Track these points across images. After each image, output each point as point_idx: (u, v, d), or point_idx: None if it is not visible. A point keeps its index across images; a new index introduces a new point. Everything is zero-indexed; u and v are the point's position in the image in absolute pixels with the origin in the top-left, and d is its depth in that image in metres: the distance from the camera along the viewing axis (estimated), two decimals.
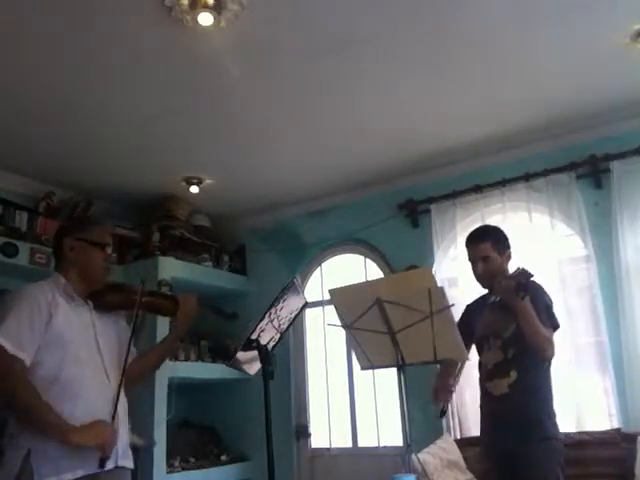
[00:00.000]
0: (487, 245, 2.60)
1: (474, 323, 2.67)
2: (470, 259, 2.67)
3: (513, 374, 2.48)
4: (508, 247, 2.66)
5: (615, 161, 3.56)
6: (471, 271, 2.69)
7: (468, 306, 2.83)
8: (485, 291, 2.72)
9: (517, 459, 2.39)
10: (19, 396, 1.90)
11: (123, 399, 2.15)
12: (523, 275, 2.31)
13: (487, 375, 2.58)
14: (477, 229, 2.82)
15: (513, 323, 2.48)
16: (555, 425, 2.49)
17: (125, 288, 2.29)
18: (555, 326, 2.52)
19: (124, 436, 2.12)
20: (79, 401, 1.96)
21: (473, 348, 2.77)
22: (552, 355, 2.46)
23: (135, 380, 2.27)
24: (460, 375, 2.56)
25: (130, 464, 2.13)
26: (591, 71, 3.12)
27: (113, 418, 2.00)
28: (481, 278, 2.63)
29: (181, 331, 2.37)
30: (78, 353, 2.02)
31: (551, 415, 2.49)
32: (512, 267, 2.51)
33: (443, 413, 2.54)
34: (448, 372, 2.61)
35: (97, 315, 2.16)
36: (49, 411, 1.89)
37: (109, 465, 1.98)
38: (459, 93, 3.27)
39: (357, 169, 4.22)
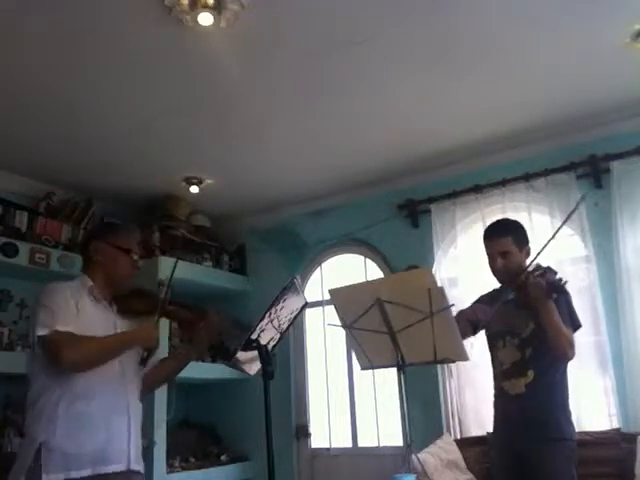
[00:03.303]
0: (507, 240, 2.52)
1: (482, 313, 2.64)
2: (488, 253, 2.58)
3: (530, 374, 2.43)
4: (528, 242, 2.57)
5: (615, 161, 3.56)
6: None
7: (482, 296, 2.77)
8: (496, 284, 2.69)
9: (532, 459, 2.36)
10: (95, 352, 1.99)
11: (137, 404, 2.17)
12: (552, 274, 2.23)
13: (503, 374, 2.54)
14: (497, 222, 2.73)
15: (532, 322, 2.43)
16: (571, 425, 2.45)
17: (149, 295, 2.29)
18: (577, 326, 2.47)
19: (137, 440, 2.13)
20: (94, 399, 1.99)
21: (474, 349, 2.76)
22: (572, 356, 2.41)
23: (149, 387, 2.31)
24: None
25: (142, 469, 2.14)
26: (591, 71, 3.12)
27: (144, 363, 2.08)
28: (499, 273, 2.55)
29: (202, 347, 2.39)
30: None
31: (568, 415, 2.45)
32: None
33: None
34: None
35: (120, 319, 2.19)
36: (113, 337, 2.07)
37: (120, 467, 2.01)
38: (459, 93, 3.26)
39: (357, 169, 4.22)
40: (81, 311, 2.04)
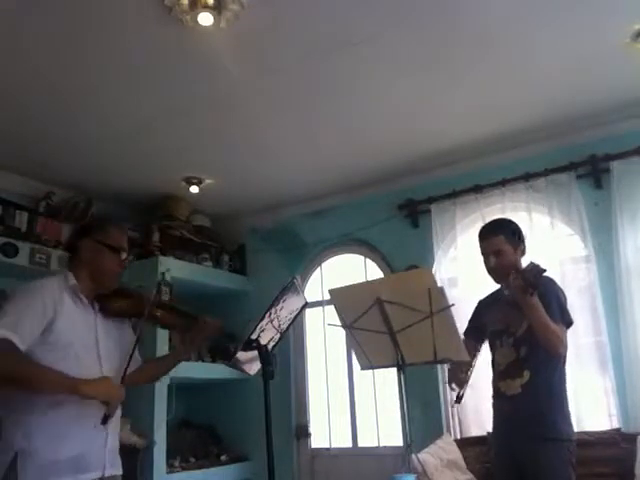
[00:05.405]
0: (500, 239, 2.53)
1: (485, 318, 2.65)
2: (482, 252, 2.59)
3: (526, 374, 2.43)
4: (522, 241, 2.58)
5: (615, 161, 3.56)
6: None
7: (480, 302, 2.78)
8: (494, 287, 2.70)
9: (529, 460, 2.36)
10: (16, 370, 1.87)
11: (119, 411, 2.12)
12: (533, 271, 2.21)
13: (499, 375, 2.54)
14: (491, 222, 2.74)
15: (526, 320, 2.41)
16: (569, 426, 2.43)
17: (134, 295, 2.23)
18: (568, 322, 2.45)
19: (114, 444, 2.09)
20: (71, 406, 1.94)
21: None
22: (563, 352, 2.40)
23: (131, 386, 2.23)
24: (471, 371, 2.54)
25: (119, 471, 2.11)
26: (591, 71, 3.12)
27: (105, 422, 1.96)
28: (493, 272, 2.55)
29: (192, 350, 2.35)
30: (77, 355, 1.99)
31: (565, 415, 2.43)
32: (525, 262, 2.41)
33: (459, 399, 2.52)
34: (460, 365, 2.60)
35: (101, 319, 2.14)
36: (51, 371, 1.88)
37: (97, 474, 1.97)
38: (459, 93, 3.26)
39: (357, 169, 4.22)
40: (60, 311, 1.98)
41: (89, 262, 2.12)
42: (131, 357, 2.07)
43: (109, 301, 2.15)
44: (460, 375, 2.53)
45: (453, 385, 2.56)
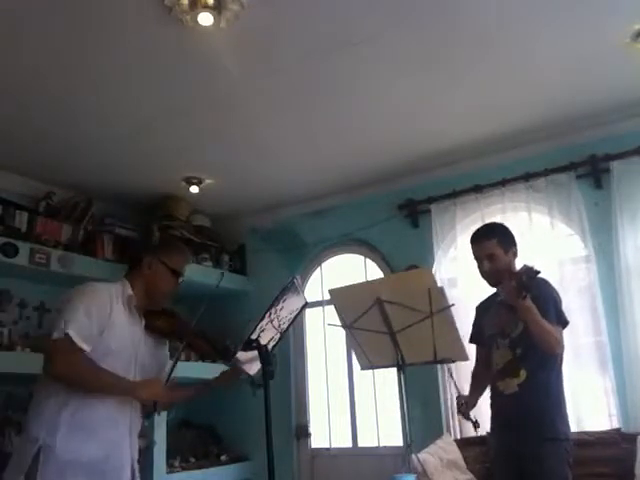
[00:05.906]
0: (493, 243, 2.54)
1: (483, 321, 2.67)
2: (475, 257, 2.61)
3: (523, 373, 2.44)
4: (514, 244, 2.59)
5: (615, 161, 3.56)
6: (476, 269, 2.64)
7: (478, 306, 2.79)
8: (492, 290, 2.70)
9: (528, 460, 2.36)
10: (84, 380, 1.98)
11: (139, 419, 2.20)
12: (526, 274, 2.21)
13: (498, 374, 2.54)
14: (483, 226, 2.76)
15: (521, 322, 2.42)
16: (566, 425, 2.44)
17: (178, 318, 2.32)
18: (563, 323, 2.46)
19: (135, 454, 2.15)
20: (99, 410, 2.00)
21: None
22: (560, 352, 2.41)
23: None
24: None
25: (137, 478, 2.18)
26: (591, 71, 3.12)
27: (149, 416, 2.10)
28: (487, 276, 2.57)
29: (219, 385, 2.40)
30: (115, 364, 2.04)
31: (563, 415, 2.44)
32: (519, 264, 2.41)
33: (475, 425, 2.60)
34: (478, 391, 2.68)
35: (145, 334, 2.19)
36: (112, 374, 1.99)
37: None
38: (459, 93, 3.26)
39: (357, 169, 4.22)
40: (114, 319, 2.05)
41: (148, 279, 2.20)
42: (169, 377, 2.17)
43: (154, 318, 2.22)
44: (462, 408, 2.64)
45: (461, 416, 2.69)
